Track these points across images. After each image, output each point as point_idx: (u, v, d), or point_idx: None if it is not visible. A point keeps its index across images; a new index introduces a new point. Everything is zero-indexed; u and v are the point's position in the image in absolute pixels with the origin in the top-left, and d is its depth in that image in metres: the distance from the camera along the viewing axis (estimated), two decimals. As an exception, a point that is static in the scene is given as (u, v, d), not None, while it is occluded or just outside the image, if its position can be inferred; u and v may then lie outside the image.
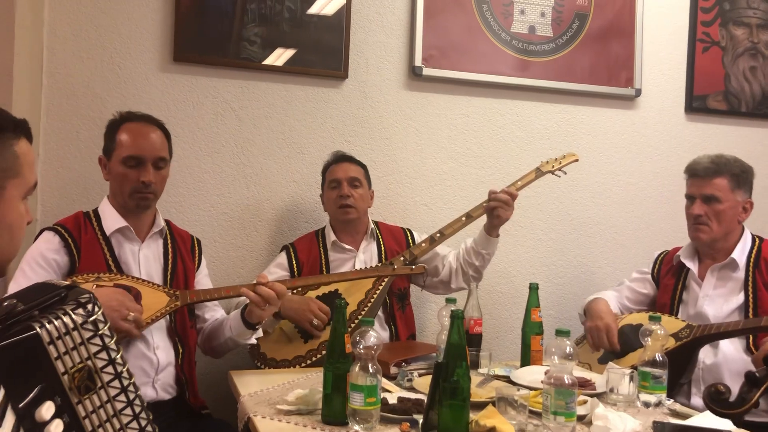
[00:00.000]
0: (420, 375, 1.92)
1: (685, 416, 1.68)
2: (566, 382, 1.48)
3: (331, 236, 2.40)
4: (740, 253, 2.24)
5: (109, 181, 2.01)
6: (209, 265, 2.31)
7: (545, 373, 1.53)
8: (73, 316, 0.98)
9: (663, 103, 3.04)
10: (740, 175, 2.25)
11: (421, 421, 1.49)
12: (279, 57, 2.59)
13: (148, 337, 1.93)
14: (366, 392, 1.47)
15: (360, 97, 2.70)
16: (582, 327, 2.47)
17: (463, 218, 2.36)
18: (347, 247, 2.39)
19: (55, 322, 0.96)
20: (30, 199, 1.16)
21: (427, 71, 2.72)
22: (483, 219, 2.34)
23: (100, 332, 1.01)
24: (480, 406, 1.54)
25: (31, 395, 0.92)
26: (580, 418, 1.57)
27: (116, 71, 2.45)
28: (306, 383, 1.86)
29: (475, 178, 2.82)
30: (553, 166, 2.44)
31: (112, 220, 1.98)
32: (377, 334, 1.55)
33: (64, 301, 1.01)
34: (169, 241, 2.08)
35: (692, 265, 2.30)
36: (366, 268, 2.33)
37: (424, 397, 1.58)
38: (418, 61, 2.72)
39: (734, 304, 2.20)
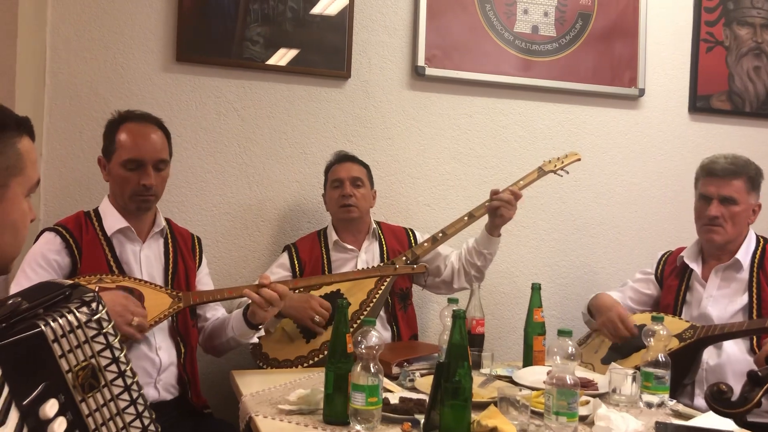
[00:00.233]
0: (422, 375, 1.91)
1: (688, 417, 1.67)
2: (568, 382, 1.47)
3: (333, 236, 2.40)
4: (744, 253, 2.22)
5: (109, 182, 2.00)
6: (211, 265, 2.31)
7: (547, 374, 1.53)
8: (78, 314, 0.99)
9: (666, 103, 3.03)
10: (755, 177, 2.23)
11: (422, 421, 1.49)
12: (282, 57, 2.59)
13: (150, 338, 1.93)
14: (367, 392, 1.47)
15: (363, 97, 2.70)
16: (585, 327, 2.47)
17: (466, 218, 2.35)
18: (349, 246, 2.40)
19: (60, 320, 0.96)
20: (33, 199, 1.16)
21: (429, 71, 2.72)
22: (485, 219, 2.34)
23: (104, 330, 1.01)
24: (482, 406, 1.54)
25: (35, 393, 0.92)
26: (582, 419, 1.57)
27: (119, 71, 2.45)
28: (308, 383, 1.86)
29: (477, 178, 2.82)
30: (555, 166, 2.43)
31: (113, 220, 1.98)
32: (379, 334, 1.55)
33: (69, 299, 1.02)
34: (169, 241, 2.07)
35: (695, 266, 2.29)
36: (368, 268, 2.33)
37: (426, 397, 1.58)
38: (420, 61, 2.72)
39: (738, 304, 2.19)
